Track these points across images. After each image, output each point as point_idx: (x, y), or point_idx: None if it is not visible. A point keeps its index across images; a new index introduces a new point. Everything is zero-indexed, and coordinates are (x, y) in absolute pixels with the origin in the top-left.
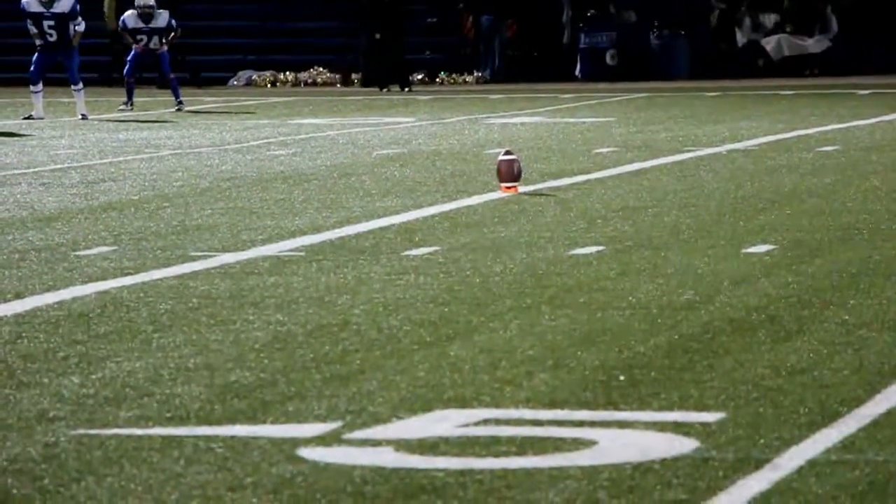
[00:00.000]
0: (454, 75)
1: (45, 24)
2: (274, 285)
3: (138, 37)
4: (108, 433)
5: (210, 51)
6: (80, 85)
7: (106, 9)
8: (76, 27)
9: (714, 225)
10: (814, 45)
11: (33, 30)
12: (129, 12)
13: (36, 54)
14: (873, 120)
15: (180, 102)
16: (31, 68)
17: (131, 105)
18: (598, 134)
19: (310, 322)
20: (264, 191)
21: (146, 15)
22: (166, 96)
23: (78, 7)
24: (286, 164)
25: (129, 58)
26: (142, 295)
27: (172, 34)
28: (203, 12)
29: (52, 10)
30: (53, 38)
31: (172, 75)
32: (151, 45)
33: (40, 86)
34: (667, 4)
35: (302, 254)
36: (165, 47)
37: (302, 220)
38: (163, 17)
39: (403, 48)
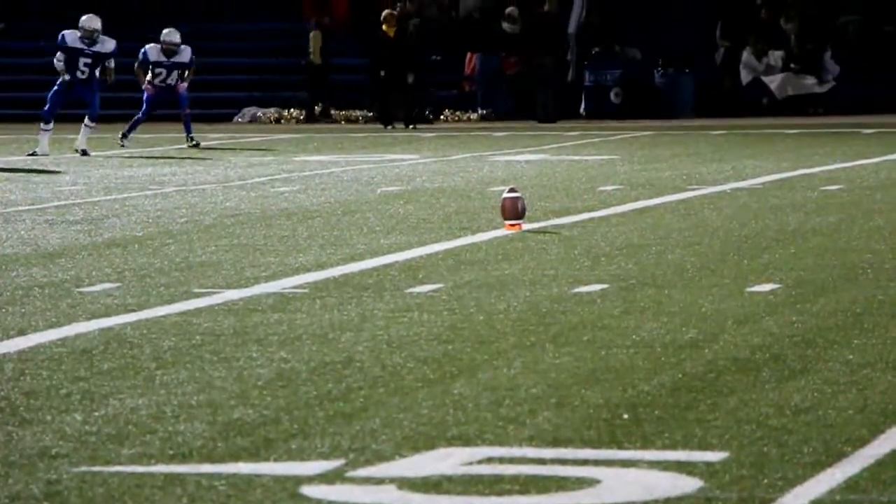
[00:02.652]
0: (458, 112)
1: (82, 61)
2: (277, 322)
3: (157, 70)
4: (110, 470)
5: (215, 87)
6: (95, 124)
7: (311, 45)
8: (108, 65)
9: (718, 263)
10: (818, 84)
11: (61, 65)
12: (151, 45)
13: (54, 90)
14: (878, 159)
15: (192, 138)
16: (47, 106)
17: (126, 141)
18: (602, 172)
19: (313, 359)
20: (268, 227)
21: (170, 51)
22: (170, 132)
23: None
24: (290, 201)
25: (145, 99)
26: (145, 332)
27: (189, 71)
28: (209, 49)
29: (93, 49)
30: (84, 76)
31: (188, 111)
32: (169, 81)
33: (52, 124)
34: (671, 42)
35: (306, 290)
36: (185, 84)
37: (306, 257)
38: (185, 53)
39: (408, 86)
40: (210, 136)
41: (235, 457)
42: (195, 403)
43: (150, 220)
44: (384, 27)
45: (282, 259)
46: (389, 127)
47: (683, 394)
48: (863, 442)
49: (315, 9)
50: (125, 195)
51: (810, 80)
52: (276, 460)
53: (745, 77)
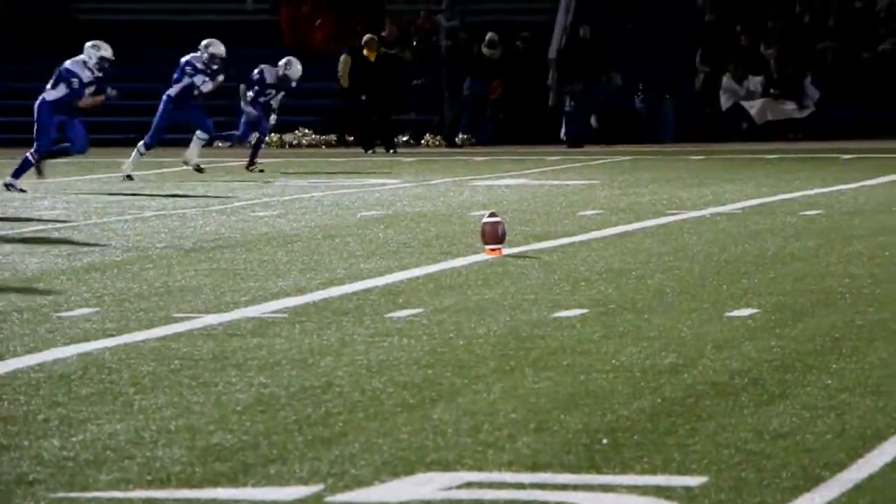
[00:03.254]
0: (439, 137)
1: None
2: (257, 347)
3: (267, 91)
4: (88, 496)
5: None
6: (207, 137)
7: (340, 68)
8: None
9: (697, 288)
10: (797, 109)
11: (174, 90)
12: (270, 68)
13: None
14: (856, 184)
15: (253, 164)
16: (161, 127)
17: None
18: (582, 197)
19: (293, 384)
20: (248, 252)
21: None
22: (149, 157)
23: None
24: (270, 226)
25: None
26: (124, 356)
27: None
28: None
29: (211, 68)
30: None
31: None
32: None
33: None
34: (651, 68)
35: (285, 315)
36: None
37: (286, 282)
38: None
39: (389, 110)
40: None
41: (214, 482)
42: (174, 428)
43: (130, 245)
44: (365, 51)
45: (261, 284)
46: (370, 151)
47: (662, 418)
48: (841, 466)
49: (294, 34)
50: (105, 219)
51: (790, 106)
52: (254, 485)
53: (725, 102)
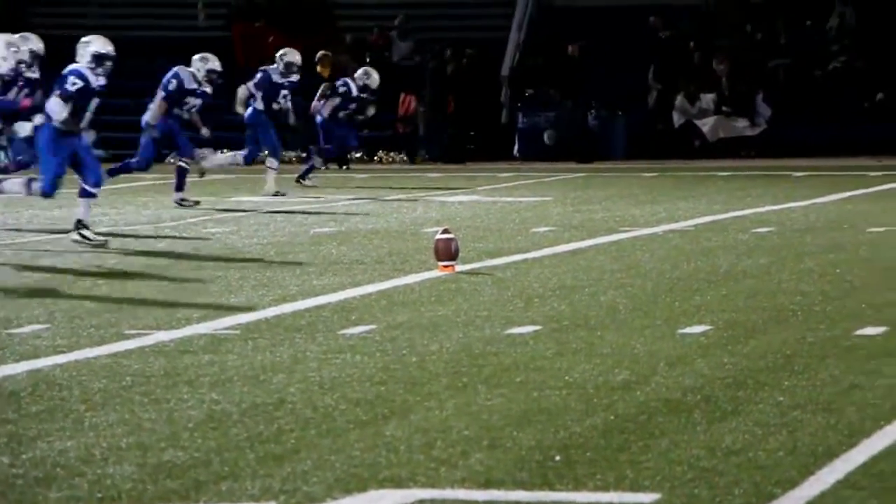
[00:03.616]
0: (392, 153)
1: (282, 93)
2: (209, 363)
3: (350, 104)
4: None
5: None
6: (278, 164)
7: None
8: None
9: (650, 305)
10: (749, 126)
11: (259, 104)
12: (352, 81)
13: (270, 131)
14: (807, 202)
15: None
16: (270, 145)
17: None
18: (535, 213)
19: (244, 401)
20: (200, 268)
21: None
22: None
23: None
24: (223, 242)
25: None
26: (74, 373)
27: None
28: (144, 88)
29: (290, 80)
30: (278, 108)
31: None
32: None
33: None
34: (604, 85)
35: (237, 332)
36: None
37: (238, 298)
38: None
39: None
40: (145, 176)
41: (165, 499)
42: (125, 445)
43: (82, 261)
44: (318, 68)
45: (214, 300)
46: (324, 167)
47: (615, 435)
48: (793, 483)
49: (246, 54)
50: (56, 235)
51: (742, 123)
52: (206, 502)
53: (678, 120)
